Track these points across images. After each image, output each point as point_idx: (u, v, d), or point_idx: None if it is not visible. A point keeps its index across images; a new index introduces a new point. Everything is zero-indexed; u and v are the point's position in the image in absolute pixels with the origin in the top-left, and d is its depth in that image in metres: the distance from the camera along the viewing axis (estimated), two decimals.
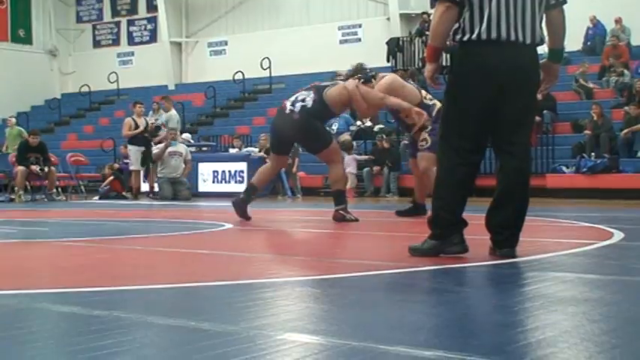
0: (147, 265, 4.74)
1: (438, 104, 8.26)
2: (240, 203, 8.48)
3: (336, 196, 8.35)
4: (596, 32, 20.66)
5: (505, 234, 4.61)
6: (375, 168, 17.81)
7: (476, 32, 4.51)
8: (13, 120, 21.19)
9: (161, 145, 16.20)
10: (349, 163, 17.76)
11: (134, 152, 16.54)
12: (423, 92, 8.92)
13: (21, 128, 20.05)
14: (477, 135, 4.63)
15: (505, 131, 4.62)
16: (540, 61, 4.75)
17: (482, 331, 2.71)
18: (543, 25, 4.68)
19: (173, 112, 17.23)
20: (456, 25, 4.59)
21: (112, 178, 17.83)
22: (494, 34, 4.49)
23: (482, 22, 4.50)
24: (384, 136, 18.29)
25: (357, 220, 8.08)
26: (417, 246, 4.70)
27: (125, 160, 18.10)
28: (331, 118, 9.38)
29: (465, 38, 4.55)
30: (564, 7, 4.69)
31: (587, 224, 7.69)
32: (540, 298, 3.26)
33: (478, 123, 4.60)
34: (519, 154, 4.66)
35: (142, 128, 16.40)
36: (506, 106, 4.56)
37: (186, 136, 19.21)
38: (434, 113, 8.43)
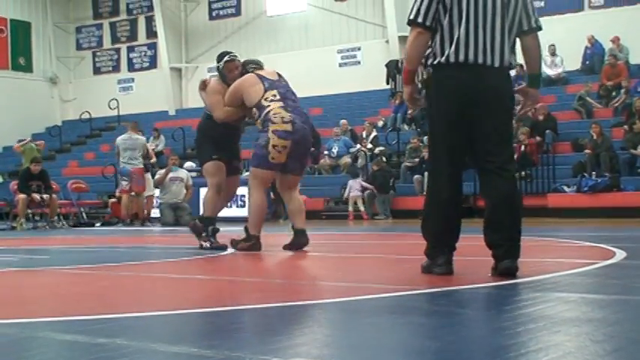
0: (149, 291, 4.74)
1: (271, 107, 7.29)
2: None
3: (200, 221, 8.03)
4: (594, 52, 20.73)
5: (505, 246, 4.63)
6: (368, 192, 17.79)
7: (445, 54, 4.66)
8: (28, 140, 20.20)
9: (162, 171, 16.22)
10: (352, 186, 17.78)
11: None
12: (271, 92, 7.41)
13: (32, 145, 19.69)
14: (457, 153, 4.77)
15: (485, 148, 4.71)
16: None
17: (485, 353, 2.71)
18: (518, 49, 4.80)
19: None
20: (429, 50, 4.76)
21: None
22: (461, 57, 4.64)
23: (451, 45, 4.66)
24: (380, 159, 18.36)
25: (213, 248, 7.66)
26: (422, 263, 4.91)
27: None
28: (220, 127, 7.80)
29: (436, 62, 4.72)
30: (539, 32, 4.82)
31: (588, 243, 7.68)
32: (543, 319, 3.25)
33: (456, 142, 4.72)
34: (509, 177, 4.75)
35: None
36: (481, 125, 4.67)
37: (189, 165, 19.17)
38: (261, 117, 7.34)
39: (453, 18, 4.66)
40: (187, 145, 23.61)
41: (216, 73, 8.01)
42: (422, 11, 4.71)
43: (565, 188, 16.31)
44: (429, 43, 4.75)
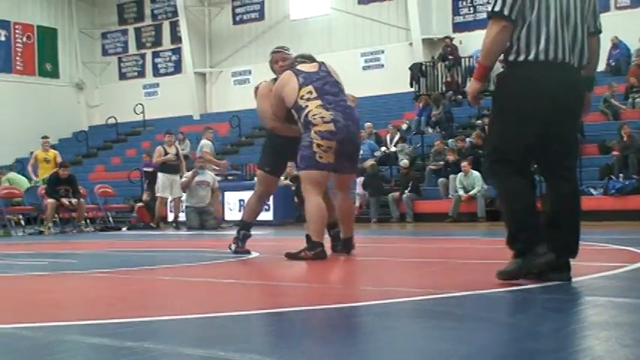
0: (175, 295, 4.75)
1: (309, 107, 6.86)
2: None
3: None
4: (619, 53, 20.57)
5: (565, 257, 4.50)
6: (395, 194, 17.72)
7: (533, 53, 4.41)
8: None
9: (189, 174, 16.27)
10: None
11: (163, 180, 16.66)
12: (306, 89, 6.94)
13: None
14: (532, 153, 4.54)
15: (560, 155, 4.54)
16: None
17: (515, 358, 2.69)
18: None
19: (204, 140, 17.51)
20: (507, 44, 4.48)
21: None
22: (551, 55, 4.40)
23: (539, 42, 4.40)
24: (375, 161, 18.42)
25: (237, 252, 7.54)
26: (505, 269, 4.53)
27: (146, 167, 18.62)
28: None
29: (521, 59, 4.44)
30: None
31: (616, 246, 7.62)
32: (572, 323, 3.23)
33: (532, 142, 4.48)
34: (573, 179, 4.62)
35: (171, 155, 16.54)
36: (561, 129, 4.49)
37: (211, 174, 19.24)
38: (302, 119, 6.92)
39: (540, 12, 4.40)
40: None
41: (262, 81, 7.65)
42: (508, 3, 4.40)
43: (592, 191, 16.18)
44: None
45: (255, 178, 7.80)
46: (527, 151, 4.50)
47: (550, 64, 4.41)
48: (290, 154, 7.37)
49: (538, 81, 4.42)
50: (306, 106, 6.87)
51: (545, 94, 4.42)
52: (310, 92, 6.91)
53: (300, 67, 7.13)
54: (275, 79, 7.35)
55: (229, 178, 19.70)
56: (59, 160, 18.08)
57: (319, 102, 6.88)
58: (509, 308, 3.99)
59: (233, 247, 7.67)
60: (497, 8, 4.43)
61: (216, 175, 17.46)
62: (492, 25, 4.47)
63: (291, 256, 6.86)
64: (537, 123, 4.44)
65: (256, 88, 7.61)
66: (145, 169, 19.15)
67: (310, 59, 7.30)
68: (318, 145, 6.80)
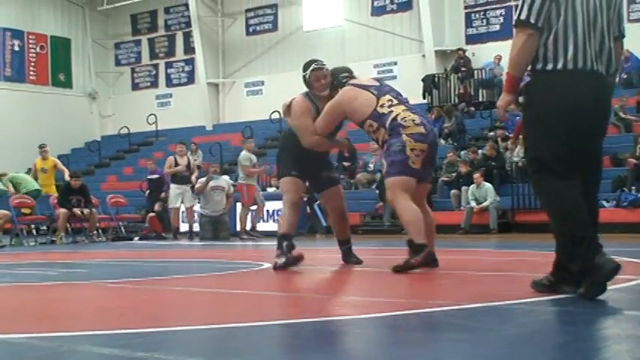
0: (187, 305, 4.76)
1: (395, 112, 6.66)
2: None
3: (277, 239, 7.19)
4: (631, 66, 20.52)
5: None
6: None
7: (561, 62, 4.28)
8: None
9: (203, 179, 16.26)
10: None
11: (174, 190, 16.70)
12: (385, 98, 6.78)
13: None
14: (571, 156, 4.34)
15: (592, 169, 4.45)
16: None
17: None
18: None
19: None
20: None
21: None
22: (580, 64, 4.26)
23: (567, 50, 4.27)
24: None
25: (285, 265, 6.93)
26: (538, 280, 4.45)
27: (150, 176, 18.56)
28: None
29: (549, 67, 4.31)
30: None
31: (629, 259, 7.58)
32: (583, 336, 3.21)
33: (567, 154, 4.32)
34: (595, 195, 4.53)
35: (181, 167, 16.57)
36: (595, 139, 4.40)
37: (226, 178, 19.15)
38: (387, 124, 6.65)
39: (567, 19, 4.27)
40: (225, 160, 23.75)
41: (292, 98, 7.30)
42: (534, 11, 4.26)
43: (604, 203, 16.11)
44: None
45: (280, 188, 7.40)
46: (565, 160, 4.32)
47: (579, 72, 4.27)
48: (311, 160, 7.19)
49: (567, 90, 4.28)
50: (391, 112, 6.66)
51: (574, 103, 4.27)
52: (390, 100, 6.76)
53: (357, 81, 7.02)
54: (306, 94, 7.18)
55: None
56: (60, 167, 18.11)
57: (404, 107, 6.74)
58: (520, 321, 3.97)
59: (281, 260, 6.99)
60: (523, 16, 4.30)
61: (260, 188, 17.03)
62: (519, 34, 4.34)
63: (401, 268, 6.37)
64: (568, 132, 4.29)
65: (288, 105, 7.24)
66: (150, 176, 19.18)
67: (351, 73, 7.21)
68: (412, 149, 6.52)
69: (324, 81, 7.10)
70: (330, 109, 6.91)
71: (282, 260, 6.97)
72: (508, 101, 4.49)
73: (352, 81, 7.02)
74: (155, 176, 18.64)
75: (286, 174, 7.24)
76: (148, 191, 19.00)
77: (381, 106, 6.72)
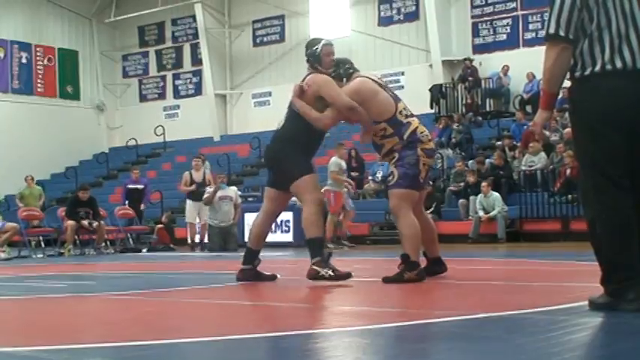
0: (194, 317, 4.74)
1: (414, 124, 6.58)
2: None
3: (308, 246, 6.63)
4: None
5: None
6: None
7: (599, 64, 4.12)
8: (32, 179, 20.25)
9: (211, 189, 16.26)
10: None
11: (190, 206, 16.78)
12: (401, 104, 6.70)
13: (40, 188, 20.16)
14: (626, 161, 4.14)
15: (634, 166, 4.17)
16: None
17: None
18: None
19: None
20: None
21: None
22: (618, 64, 4.09)
23: (603, 52, 4.12)
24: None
25: (337, 276, 6.41)
26: (593, 298, 4.27)
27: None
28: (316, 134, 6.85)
29: (587, 72, 4.14)
30: None
31: None
32: (590, 346, 3.19)
33: (619, 158, 4.13)
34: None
35: (194, 186, 16.63)
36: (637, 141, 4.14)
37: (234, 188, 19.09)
38: (405, 135, 6.54)
39: (601, 21, 4.11)
40: (232, 171, 23.76)
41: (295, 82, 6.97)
42: (562, 23, 4.12)
43: None
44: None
45: (298, 190, 6.62)
46: (620, 164, 4.12)
47: (618, 72, 4.10)
48: (313, 152, 6.93)
49: (607, 92, 4.10)
50: (408, 123, 6.57)
51: (617, 106, 4.10)
52: (405, 109, 6.69)
53: (370, 75, 6.95)
54: (310, 73, 6.82)
55: (249, 199, 19.70)
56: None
57: (416, 119, 6.69)
58: (528, 330, 3.95)
59: (328, 273, 6.42)
60: (551, 31, 4.16)
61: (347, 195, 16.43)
62: (550, 49, 4.20)
63: (391, 280, 6.38)
64: (614, 135, 4.10)
65: (300, 87, 6.73)
66: (130, 185, 19.19)
67: (352, 65, 7.05)
68: (424, 164, 6.55)
69: (331, 58, 6.86)
70: (352, 91, 6.64)
71: (328, 273, 6.41)
72: (545, 118, 4.37)
73: (365, 73, 6.86)
74: (138, 186, 18.63)
75: (304, 172, 6.60)
76: (127, 202, 18.90)
77: (400, 113, 6.60)
